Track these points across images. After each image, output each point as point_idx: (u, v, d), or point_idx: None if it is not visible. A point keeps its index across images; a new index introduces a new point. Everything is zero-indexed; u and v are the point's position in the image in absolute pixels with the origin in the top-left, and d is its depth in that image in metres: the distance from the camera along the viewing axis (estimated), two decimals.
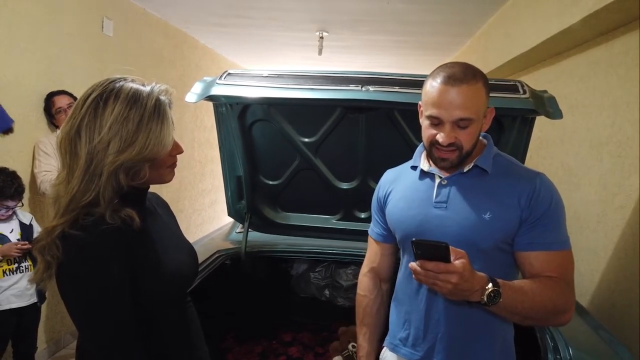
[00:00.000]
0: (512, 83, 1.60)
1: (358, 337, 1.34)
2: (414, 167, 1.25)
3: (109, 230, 0.86)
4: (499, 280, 1.00)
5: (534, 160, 3.01)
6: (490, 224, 1.10)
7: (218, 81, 1.73)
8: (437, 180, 1.18)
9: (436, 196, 1.17)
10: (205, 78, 1.80)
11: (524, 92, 1.56)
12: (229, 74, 1.76)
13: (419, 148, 1.27)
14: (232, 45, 5.49)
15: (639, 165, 1.95)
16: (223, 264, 2.14)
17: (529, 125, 1.71)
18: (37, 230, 2.44)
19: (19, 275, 2.32)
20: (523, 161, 1.73)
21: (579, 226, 2.42)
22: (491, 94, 1.17)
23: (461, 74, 1.05)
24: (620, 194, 2.09)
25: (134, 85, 0.93)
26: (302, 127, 1.93)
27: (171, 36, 4.55)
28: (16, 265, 2.32)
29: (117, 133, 0.89)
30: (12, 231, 2.34)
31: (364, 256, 1.42)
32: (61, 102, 2.78)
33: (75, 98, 2.78)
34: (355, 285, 1.40)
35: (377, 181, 1.39)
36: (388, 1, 3.40)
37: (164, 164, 0.99)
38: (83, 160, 0.89)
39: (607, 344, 1.48)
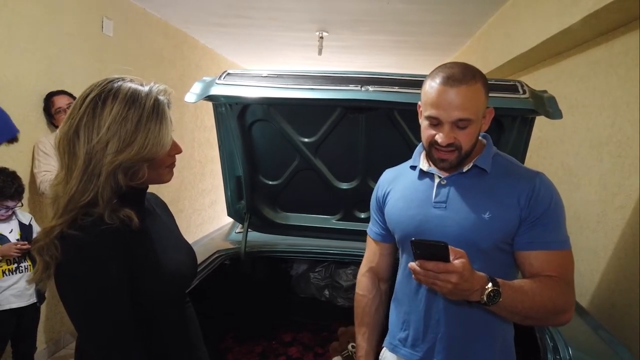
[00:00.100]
0: (511, 83, 1.60)
1: (357, 337, 1.34)
2: (413, 167, 1.25)
3: (108, 231, 0.86)
4: (499, 280, 1.00)
5: (534, 160, 3.00)
6: (489, 224, 1.10)
7: (217, 81, 1.73)
8: (437, 180, 1.18)
9: (435, 196, 1.16)
10: (204, 78, 1.80)
11: (524, 92, 1.55)
12: (229, 74, 1.76)
13: (418, 148, 1.26)
14: (232, 45, 5.49)
15: (639, 165, 1.95)
16: (222, 264, 2.14)
17: (528, 125, 1.71)
18: (36, 230, 2.44)
19: (18, 275, 2.32)
20: (523, 161, 1.73)
21: (579, 226, 2.42)
22: (491, 94, 1.17)
23: (460, 75, 1.05)
24: (620, 194, 2.09)
25: (133, 85, 0.93)
26: (301, 127, 1.93)
27: (171, 36, 4.55)
28: (15, 265, 2.32)
29: (116, 133, 0.89)
30: (11, 231, 2.34)
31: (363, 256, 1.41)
32: (61, 102, 2.79)
33: (74, 98, 2.77)
34: (355, 286, 1.40)
35: (377, 181, 1.38)
36: (388, 1, 3.40)
37: (163, 164, 0.98)
38: (82, 161, 0.89)
39: (606, 344, 1.48)
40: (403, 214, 1.21)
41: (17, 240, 2.33)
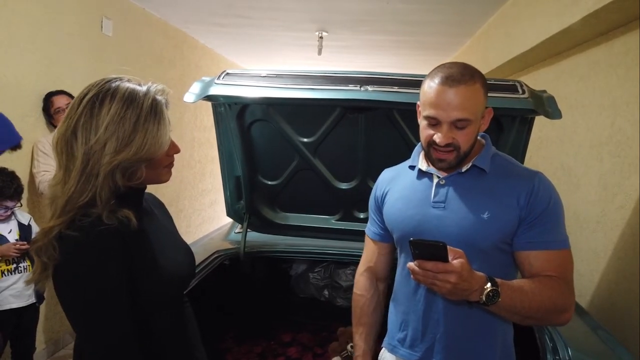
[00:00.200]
0: (511, 83, 1.60)
1: (354, 337, 1.34)
2: (412, 167, 1.25)
3: (106, 231, 0.86)
4: (498, 280, 1.00)
5: (533, 160, 3.00)
6: (488, 224, 1.09)
7: (216, 81, 1.73)
8: (435, 180, 1.18)
9: (434, 196, 1.16)
10: (203, 78, 1.80)
11: (523, 92, 1.55)
12: (228, 73, 1.76)
13: (417, 148, 1.26)
14: (232, 45, 5.49)
15: (639, 165, 1.95)
16: (222, 264, 2.13)
17: (528, 125, 1.71)
18: (35, 230, 2.44)
19: (17, 275, 2.32)
20: (522, 161, 1.73)
21: (579, 226, 2.41)
22: (490, 94, 1.16)
23: (459, 75, 1.05)
24: (620, 194, 2.08)
25: (130, 85, 0.93)
26: (301, 127, 1.93)
27: (171, 36, 4.55)
28: (14, 265, 2.32)
29: (114, 133, 0.88)
30: (10, 231, 2.34)
31: None
32: (60, 102, 2.78)
33: (74, 98, 2.78)
34: None
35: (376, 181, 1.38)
36: (388, 1, 3.40)
37: (161, 164, 0.98)
38: (79, 161, 0.88)
39: (606, 344, 1.48)
40: (402, 214, 1.21)
41: (16, 240, 2.32)
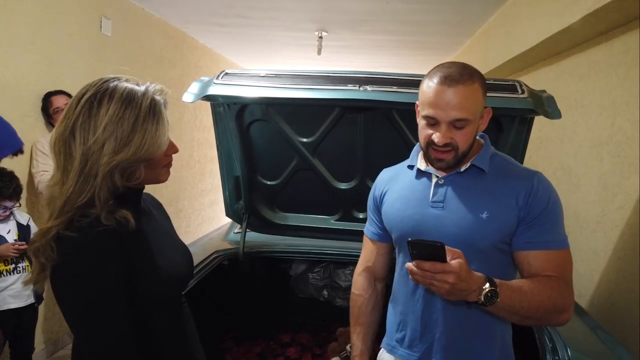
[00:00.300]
0: (510, 83, 1.59)
1: (352, 336, 1.34)
2: (411, 167, 1.25)
3: (105, 232, 0.86)
4: (497, 280, 1.00)
5: (533, 160, 3.00)
6: (487, 224, 1.09)
7: (215, 81, 1.73)
8: (434, 180, 1.17)
9: (433, 196, 1.16)
10: (202, 78, 1.79)
11: (523, 92, 1.55)
12: (226, 73, 1.76)
13: (416, 147, 1.26)
14: (232, 45, 5.49)
15: (639, 165, 1.95)
16: (221, 264, 2.13)
17: (527, 125, 1.71)
18: (34, 230, 2.43)
19: (16, 275, 2.32)
20: (522, 161, 1.73)
21: (578, 226, 2.41)
22: (489, 94, 1.16)
23: (458, 75, 1.04)
24: (620, 194, 2.08)
25: (129, 85, 0.93)
26: (300, 127, 1.92)
27: (171, 36, 4.55)
28: (13, 265, 2.32)
29: (112, 133, 0.88)
30: (9, 232, 2.34)
31: None
32: (59, 102, 2.78)
33: None
34: None
35: None
36: (388, 1, 3.40)
37: (160, 164, 0.98)
38: (78, 161, 0.88)
39: (605, 344, 1.48)
40: (400, 213, 1.20)
41: (15, 240, 2.32)
